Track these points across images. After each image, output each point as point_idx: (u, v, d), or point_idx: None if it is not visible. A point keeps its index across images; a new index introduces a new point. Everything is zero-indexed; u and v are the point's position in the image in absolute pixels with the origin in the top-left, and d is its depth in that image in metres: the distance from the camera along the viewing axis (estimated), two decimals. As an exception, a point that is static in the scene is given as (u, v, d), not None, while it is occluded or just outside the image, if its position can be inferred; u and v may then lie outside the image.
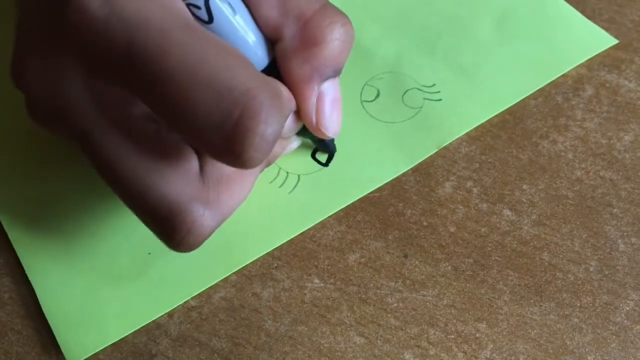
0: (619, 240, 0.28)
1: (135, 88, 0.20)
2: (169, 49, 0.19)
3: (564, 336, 0.26)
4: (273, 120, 0.19)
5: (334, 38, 0.24)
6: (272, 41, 0.24)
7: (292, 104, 0.25)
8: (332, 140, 0.30)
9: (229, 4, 0.23)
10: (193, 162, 0.22)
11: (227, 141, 0.19)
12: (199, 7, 0.22)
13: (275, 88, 0.20)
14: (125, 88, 0.20)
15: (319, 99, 0.25)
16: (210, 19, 0.22)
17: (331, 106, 0.25)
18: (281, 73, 0.24)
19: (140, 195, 0.21)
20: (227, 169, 0.23)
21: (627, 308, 0.26)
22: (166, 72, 0.19)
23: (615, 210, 0.29)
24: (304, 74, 0.24)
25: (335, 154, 0.31)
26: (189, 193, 0.22)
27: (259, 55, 0.24)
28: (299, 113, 0.25)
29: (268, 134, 0.19)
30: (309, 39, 0.23)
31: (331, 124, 0.26)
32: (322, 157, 0.30)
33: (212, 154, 0.20)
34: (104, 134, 0.21)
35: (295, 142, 0.29)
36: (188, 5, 0.22)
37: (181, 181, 0.22)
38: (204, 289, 0.27)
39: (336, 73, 0.25)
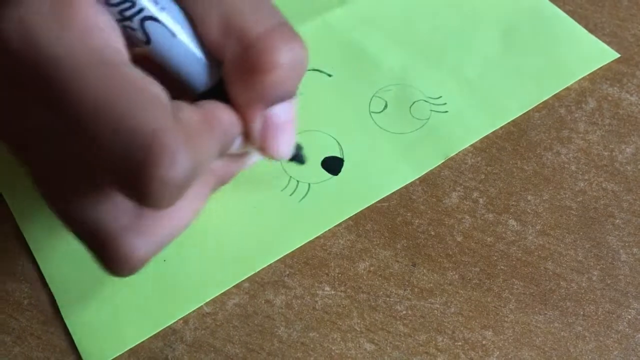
0: (621, 251, 0.29)
1: (57, 120, 0.19)
2: (78, 88, 0.18)
3: (568, 344, 0.27)
4: (179, 165, 0.18)
5: (279, 65, 0.21)
6: (217, 62, 0.23)
7: (236, 129, 0.23)
8: (301, 151, 0.28)
9: (167, 25, 0.21)
10: None
11: (131, 183, 0.18)
12: (134, 29, 0.21)
13: (195, 124, 0.20)
14: (53, 119, 0.19)
15: (266, 125, 0.23)
16: (148, 40, 0.21)
17: (278, 132, 0.23)
18: (228, 95, 0.23)
19: (74, 220, 0.21)
20: None
21: (629, 317, 0.27)
22: (74, 111, 0.18)
23: (618, 221, 0.30)
24: (247, 100, 0.22)
25: (345, 163, 0.31)
26: (122, 223, 0.21)
27: (201, 77, 0.22)
28: (247, 136, 0.24)
29: (171, 178, 0.18)
30: (250, 65, 0.21)
31: (279, 149, 0.24)
32: (332, 167, 0.31)
33: (122, 194, 0.19)
34: (42, 158, 0.21)
35: (256, 156, 0.27)
36: (125, 27, 0.20)
37: (115, 210, 0.21)
38: (217, 294, 0.28)
39: (286, 98, 0.23)
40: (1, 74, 0.20)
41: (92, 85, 0.18)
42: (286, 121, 0.23)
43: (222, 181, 0.25)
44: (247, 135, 0.23)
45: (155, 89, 0.19)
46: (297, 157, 0.28)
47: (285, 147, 0.24)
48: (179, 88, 0.22)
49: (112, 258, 0.21)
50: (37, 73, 0.18)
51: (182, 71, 0.22)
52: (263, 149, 0.24)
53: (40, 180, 0.21)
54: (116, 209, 0.21)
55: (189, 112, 0.20)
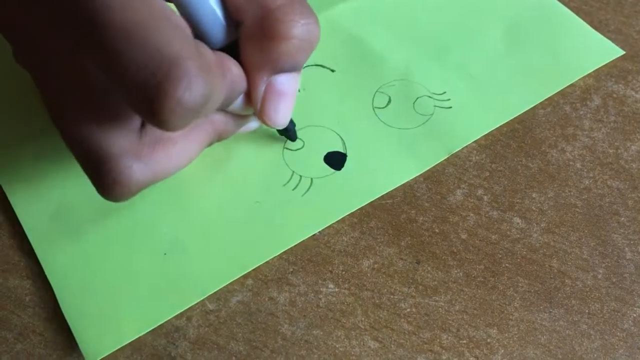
0: (626, 249, 0.29)
1: (79, 35, 0.20)
2: (111, 6, 0.19)
3: (573, 342, 0.27)
4: (194, 89, 0.19)
5: (293, 36, 0.23)
6: (236, 22, 0.24)
7: (242, 85, 0.25)
8: (293, 127, 0.30)
9: None
10: (135, 117, 0.23)
11: (147, 100, 0.19)
12: None
13: (212, 62, 0.21)
14: (73, 34, 0.21)
15: (268, 89, 0.25)
16: None
17: (278, 99, 0.25)
18: (239, 55, 0.25)
19: (76, 139, 0.22)
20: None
21: (634, 315, 0.27)
22: (104, 25, 0.19)
23: (623, 218, 0.30)
24: (257, 62, 0.24)
25: (348, 158, 0.31)
26: (122, 145, 0.22)
27: (218, 35, 0.24)
28: (249, 97, 0.26)
29: (186, 101, 0.19)
30: (267, 31, 0.23)
31: (275, 116, 0.26)
32: (334, 162, 0.31)
33: (136, 110, 0.20)
34: (54, 76, 0.22)
35: (254, 123, 0.29)
36: None
37: (117, 133, 0.22)
38: (218, 288, 0.27)
39: (294, 69, 0.25)
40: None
41: (125, 5, 0.19)
42: (287, 91, 0.25)
43: (219, 136, 0.27)
44: (249, 97, 0.25)
45: (181, 22, 0.21)
46: (289, 132, 0.30)
47: (281, 116, 0.26)
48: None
49: (107, 177, 0.23)
50: None
51: (201, 27, 0.23)
52: (261, 113, 0.26)
53: (48, 100, 0.23)
54: (118, 133, 0.22)
55: (206, 50, 0.21)
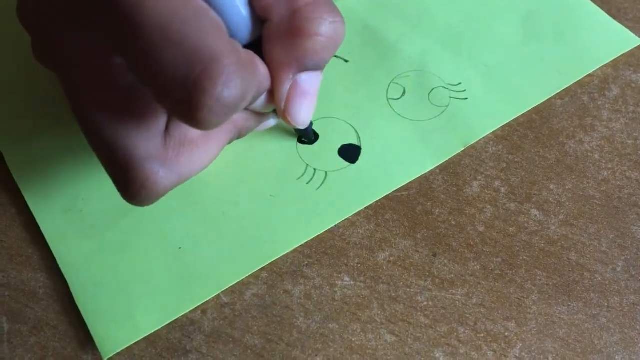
0: (646, 241, 0.28)
1: (112, 34, 0.20)
2: (146, 2, 0.19)
3: (592, 336, 0.26)
4: (232, 86, 0.19)
5: (319, 33, 0.23)
6: (261, 20, 0.24)
7: (267, 83, 0.24)
8: (312, 128, 0.30)
9: None
10: (160, 121, 0.23)
11: (184, 98, 0.19)
12: None
13: (248, 60, 0.21)
14: (105, 33, 0.20)
15: (293, 88, 0.25)
16: None
17: (302, 98, 0.25)
18: (263, 53, 0.24)
19: (102, 142, 0.22)
20: (192, 133, 0.24)
21: (655, 308, 0.27)
22: (140, 23, 0.19)
23: (642, 210, 0.29)
24: (282, 60, 0.24)
25: (362, 151, 0.31)
26: (148, 149, 0.22)
27: (245, 29, 0.24)
28: (272, 95, 0.25)
29: (224, 98, 0.19)
30: (294, 28, 0.23)
31: (298, 116, 0.26)
32: (349, 155, 0.31)
33: (170, 110, 0.20)
34: (80, 75, 0.22)
35: (272, 120, 0.28)
36: None
37: (143, 136, 0.22)
38: (233, 283, 0.27)
39: (318, 67, 0.25)
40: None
41: (165, 3, 0.19)
42: (311, 91, 0.25)
43: (239, 133, 0.27)
44: (272, 95, 0.25)
45: (218, 19, 0.20)
46: (308, 132, 0.30)
47: (304, 115, 0.26)
48: None
49: (134, 183, 0.22)
50: None
51: (227, 24, 0.23)
52: (285, 112, 0.26)
53: (73, 99, 0.22)
54: (144, 136, 0.22)
55: (240, 48, 0.21)
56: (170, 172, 0.23)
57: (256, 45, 0.24)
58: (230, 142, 0.27)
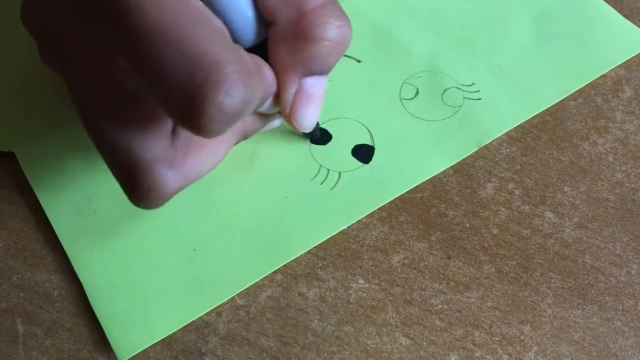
0: (660, 244, 0.28)
1: (115, 37, 0.20)
2: (146, 6, 0.19)
3: (607, 339, 0.26)
4: (235, 94, 0.19)
5: (326, 38, 0.23)
6: (267, 22, 0.24)
7: (273, 88, 0.24)
8: (318, 128, 0.30)
9: None
10: (166, 123, 0.23)
11: (186, 106, 0.19)
12: None
13: (250, 66, 0.21)
14: (108, 37, 0.20)
15: (298, 91, 0.25)
16: None
17: (308, 102, 0.25)
18: (268, 56, 0.24)
19: (108, 145, 0.22)
20: None
21: (670, 312, 0.27)
22: (138, 29, 0.19)
23: (656, 213, 0.29)
24: (288, 64, 0.24)
25: (376, 151, 0.31)
26: (155, 152, 0.22)
27: (249, 31, 0.24)
28: (277, 98, 0.25)
29: (226, 106, 0.19)
30: (300, 32, 0.23)
31: (304, 119, 0.26)
32: (362, 155, 0.31)
33: (173, 116, 0.20)
34: (85, 77, 0.22)
35: (277, 120, 0.28)
36: None
37: (150, 139, 0.22)
38: (248, 285, 0.27)
39: (324, 72, 0.25)
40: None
41: (162, 5, 0.19)
42: (316, 95, 0.25)
43: (245, 135, 0.27)
44: (278, 98, 0.25)
45: (220, 25, 0.20)
46: (314, 134, 0.30)
47: (310, 119, 0.26)
48: None
49: (140, 185, 0.22)
50: None
51: (230, 26, 0.23)
52: (290, 116, 0.26)
53: (78, 101, 0.22)
54: (151, 138, 0.22)
55: (244, 53, 0.21)
56: (178, 174, 0.23)
57: (261, 47, 0.24)
58: (237, 142, 0.27)
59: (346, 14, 0.24)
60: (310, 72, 0.24)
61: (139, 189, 0.22)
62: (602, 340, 0.26)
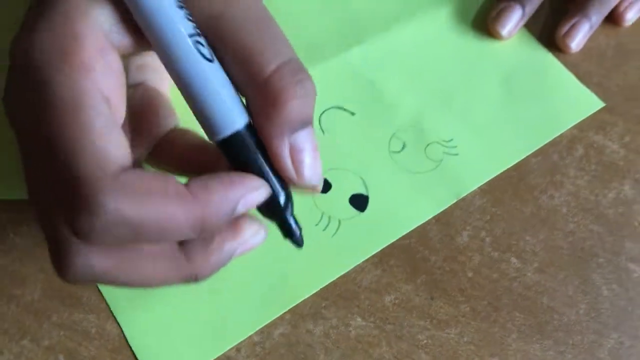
0: (603, 287, 0.34)
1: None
2: (43, 121, 0.21)
3: (559, 369, 0.32)
4: (100, 215, 0.20)
5: (295, 96, 0.24)
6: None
7: (225, 206, 0.24)
8: (300, 231, 0.27)
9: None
10: None
11: (67, 220, 0.21)
12: (203, 45, 0.23)
13: (142, 181, 0.21)
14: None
15: (293, 151, 0.25)
16: (213, 58, 0.23)
17: (304, 154, 0.25)
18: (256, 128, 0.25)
19: (41, 223, 0.23)
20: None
21: (609, 345, 0.33)
22: (36, 140, 0.22)
23: (601, 259, 0.35)
24: (272, 130, 0.24)
25: (370, 201, 0.35)
26: (75, 241, 0.22)
27: (236, 116, 0.24)
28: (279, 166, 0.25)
29: (94, 227, 0.20)
30: (269, 99, 0.24)
31: (311, 174, 0.25)
32: (358, 204, 0.35)
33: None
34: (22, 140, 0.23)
35: (261, 234, 0.27)
36: (197, 42, 0.22)
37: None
38: (263, 325, 0.31)
39: (305, 125, 0.25)
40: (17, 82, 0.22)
41: (56, 124, 0.21)
42: (310, 146, 0.25)
43: (194, 273, 0.25)
44: (278, 165, 0.25)
45: (108, 145, 0.21)
46: (296, 235, 0.27)
47: (313, 171, 0.26)
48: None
49: (58, 261, 0.23)
50: (31, 88, 0.21)
51: (230, 101, 0.24)
52: (297, 177, 0.25)
53: (28, 188, 0.23)
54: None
55: (140, 175, 0.22)
56: (89, 266, 0.23)
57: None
58: (184, 281, 0.25)
59: (302, 63, 0.25)
60: (295, 130, 0.24)
61: (57, 264, 0.23)
62: (555, 370, 0.32)
